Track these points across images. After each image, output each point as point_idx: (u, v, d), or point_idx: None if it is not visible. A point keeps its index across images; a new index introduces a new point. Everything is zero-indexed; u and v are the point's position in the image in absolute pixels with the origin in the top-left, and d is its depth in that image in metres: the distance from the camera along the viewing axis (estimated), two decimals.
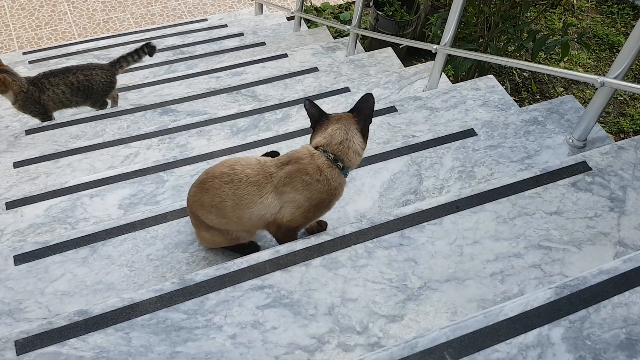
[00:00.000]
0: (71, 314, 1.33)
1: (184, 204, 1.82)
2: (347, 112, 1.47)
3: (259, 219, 1.44)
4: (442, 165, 1.96)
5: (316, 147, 1.43)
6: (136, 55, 2.68)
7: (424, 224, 1.59)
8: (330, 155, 1.40)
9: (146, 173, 2.09)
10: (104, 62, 3.53)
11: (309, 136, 2.08)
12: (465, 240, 1.59)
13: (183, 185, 2.05)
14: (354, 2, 4.48)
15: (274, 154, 1.90)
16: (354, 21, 2.91)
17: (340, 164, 1.41)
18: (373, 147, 2.13)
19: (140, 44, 2.67)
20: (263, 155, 2.00)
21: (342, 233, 1.53)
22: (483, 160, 1.96)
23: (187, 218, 1.77)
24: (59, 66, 2.64)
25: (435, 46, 2.42)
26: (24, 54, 3.94)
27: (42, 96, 2.48)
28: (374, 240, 1.53)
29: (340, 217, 1.77)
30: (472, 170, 1.95)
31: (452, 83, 2.66)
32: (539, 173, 1.76)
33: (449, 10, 2.25)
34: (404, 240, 1.54)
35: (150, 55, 2.66)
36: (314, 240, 1.51)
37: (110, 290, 1.58)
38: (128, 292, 1.58)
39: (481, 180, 1.90)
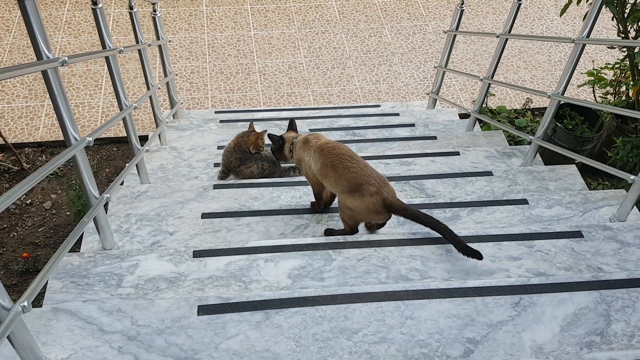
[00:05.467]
0: None
1: (354, 289, 1.85)
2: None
3: None
4: (635, 310, 1.76)
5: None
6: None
7: None
8: None
9: (317, 248, 2.18)
10: (283, 131, 3.87)
11: (482, 244, 2.07)
12: None
13: (349, 268, 2.09)
14: (530, 109, 4.43)
15: None
16: (539, 132, 2.84)
17: None
18: (555, 272, 2.00)
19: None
20: None
21: None
22: None
23: (355, 305, 1.79)
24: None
25: (632, 177, 2.26)
26: (215, 112, 4.47)
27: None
28: None
29: (515, 344, 1.65)
30: None
31: None
32: None
33: None
34: None
35: None
36: None
37: None
38: None
39: None
